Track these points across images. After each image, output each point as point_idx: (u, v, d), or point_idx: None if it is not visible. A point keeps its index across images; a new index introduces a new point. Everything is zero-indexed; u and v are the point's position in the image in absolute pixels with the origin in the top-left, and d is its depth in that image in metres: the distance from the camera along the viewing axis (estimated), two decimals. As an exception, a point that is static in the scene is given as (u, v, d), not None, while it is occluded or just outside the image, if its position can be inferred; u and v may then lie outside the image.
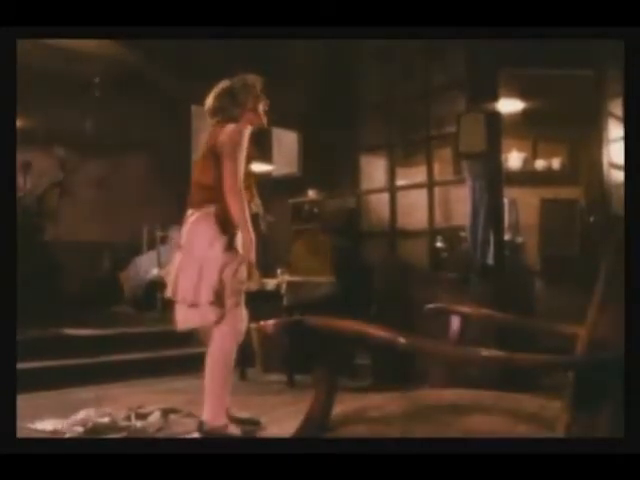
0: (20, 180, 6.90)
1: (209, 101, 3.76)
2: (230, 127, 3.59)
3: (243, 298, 3.61)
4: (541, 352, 1.39)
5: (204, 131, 3.85)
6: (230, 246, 3.52)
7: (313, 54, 6.90)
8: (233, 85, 3.75)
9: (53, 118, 8.19)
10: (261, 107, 3.78)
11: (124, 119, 8.76)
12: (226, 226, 3.51)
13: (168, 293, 3.62)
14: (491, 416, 1.60)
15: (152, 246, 8.70)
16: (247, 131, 3.60)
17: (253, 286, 3.70)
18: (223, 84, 3.78)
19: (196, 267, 3.48)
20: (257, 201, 3.83)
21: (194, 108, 7.86)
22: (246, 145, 3.57)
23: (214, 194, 3.53)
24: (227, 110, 3.69)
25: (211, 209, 3.53)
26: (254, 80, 3.79)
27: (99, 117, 8.62)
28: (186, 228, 3.61)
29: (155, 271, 8.25)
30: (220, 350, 3.53)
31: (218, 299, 3.46)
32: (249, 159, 3.68)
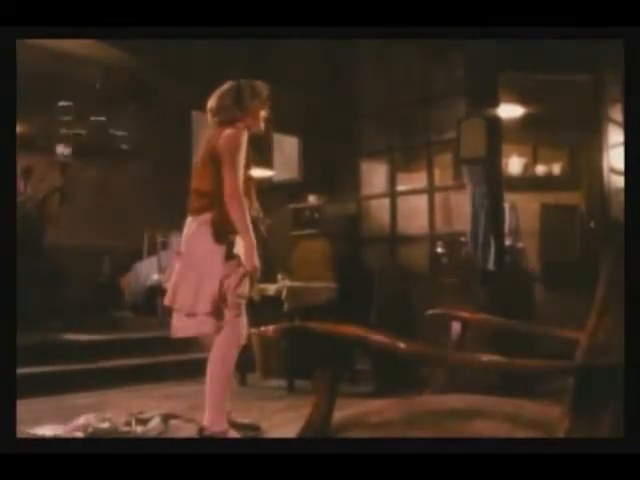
0: (20, 185, 6.90)
1: (212, 99, 3.70)
2: (228, 131, 3.54)
3: (244, 309, 3.60)
4: (541, 357, 1.39)
5: (204, 136, 3.83)
6: (230, 255, 3.48)
7: (313, 60, 6.92)
8: (240, 86, 3.70)
9: (53, 123, 8.19)
10: (262, 113, 3.75)
11: (125, 124, 8.77)
12: (226, 234, 3.49)
13: (166, 300, 3.61)
14: (491, 421, 1.60)
15: (153, 251, 8.69)
16: (245, 135, 3.57)
17: (255, 296, 3.70)
18: (229, 84, 3.72)
19: (195, 276, 3.47)
20: (256, 206, 3.80)
21: (195, 113, 7.87)
22: (245, 149, 3.55)
23: (214, 200, 3.50)
24: (230, 110, 3.63)
25: (210, 216, 3.50)
26: (261, 86, 3.76)
27: (100, 122, 8.63)
28: (186, 235, 3.59)
29: (155, 276, 8.24)
30: (221, 356, 3.52)
31: (216, 310, 3.44)
32: (248, 164, 3.66)
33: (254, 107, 3.69)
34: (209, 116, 3.73)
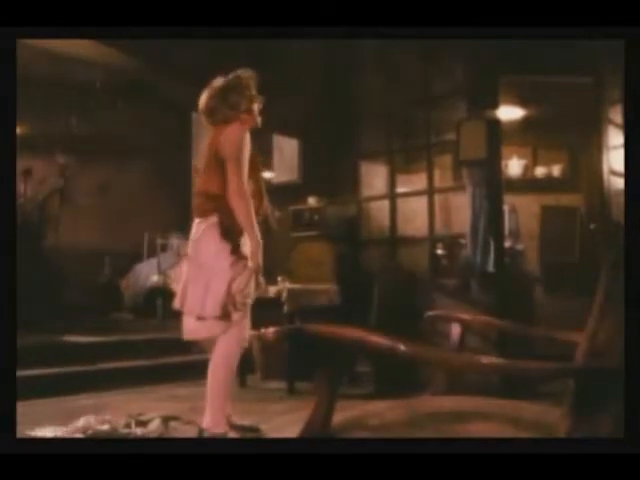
0: (20, 187, 6.90)
1: (202, 101, 3.67)
2: (230, 130, 3.52)
3: (249, 310, 3.60)
4: (541, 359, 1.39)
5: (205, 138, 3.82)
6: (237, 257, 3.47)
7: (313, 61, 6.91)
8: (227, 85, 3.65)
9: (53, 124, 8.20)
10: (255, 107, 3.69)
11: (124, 126, 8.78)
12: (232, 234, 3.47)
13: (176, 304, 3.60)
14: (491, 423, 1.60)
15: (152, 253, 8.71)
16: (246, 132, 3.54)
17: (263, 294, 3.69)
18: (216, 83, 3.67)
19: (203, 279, 3.46)
20: (266, 204, 3.77)
21: (194, 115, 7.86)
22: (248, 147, 3.54)
23: (220, 202, 3.47)
24: (220, 111, 3.60)
25: (218, 218, 3.49)
26: (248, 79, 3.68)
27: (100, 124, 8.63)
28: (193, 238, 3.58)
29: (155, 278, 8.26)
30: (223, 357, 3.52)
31: (224, 313, 3.44)
32: (256, 164, 3.64)
33: (244, 103, 3.64)
34: (203, 117, 3.72)
